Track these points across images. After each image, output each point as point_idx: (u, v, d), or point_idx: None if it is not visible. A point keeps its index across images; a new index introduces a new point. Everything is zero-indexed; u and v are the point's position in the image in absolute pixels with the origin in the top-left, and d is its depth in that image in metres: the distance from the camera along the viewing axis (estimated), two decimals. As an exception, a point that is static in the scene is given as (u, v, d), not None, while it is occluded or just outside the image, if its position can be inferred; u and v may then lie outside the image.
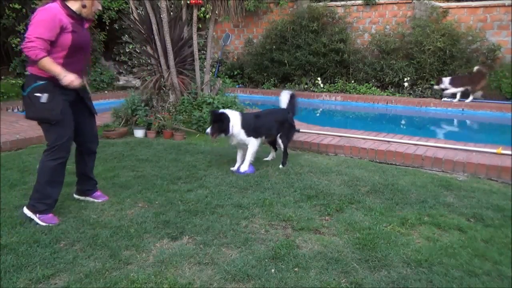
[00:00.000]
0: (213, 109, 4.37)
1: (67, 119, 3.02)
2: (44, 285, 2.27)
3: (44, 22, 2.80)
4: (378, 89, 9.56)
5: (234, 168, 4.24)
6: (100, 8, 3.19)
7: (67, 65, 2.94)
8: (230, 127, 4.04)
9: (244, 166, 4.17)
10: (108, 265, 2.44)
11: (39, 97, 2.88)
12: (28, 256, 2.50)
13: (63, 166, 3.09)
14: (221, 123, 4.03)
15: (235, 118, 4.11)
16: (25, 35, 2.80)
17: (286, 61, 10.39)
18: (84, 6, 3.00)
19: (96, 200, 3.43)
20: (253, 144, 4.19)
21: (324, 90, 9.97)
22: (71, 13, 2.94)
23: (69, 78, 2.88)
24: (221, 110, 4.18)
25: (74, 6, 2.97)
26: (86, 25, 3.15)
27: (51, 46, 2.85)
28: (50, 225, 2.95)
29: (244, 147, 4.24)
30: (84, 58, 3.16)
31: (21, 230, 2.84)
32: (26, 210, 3.03)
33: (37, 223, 2.96)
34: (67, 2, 2.96)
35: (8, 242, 2.67)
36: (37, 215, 2.99)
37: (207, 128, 4.11)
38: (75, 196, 3.50)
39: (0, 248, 2.60)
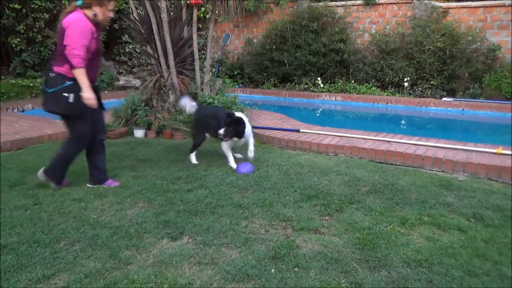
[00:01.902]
0: (228, 111, 4.41)
1: (88, 115, 3.50)
2: (44, 285, 2.27)
3: (82, 30, 3.27)
4: (378, 89, 9.57)
5: (234, 165, 4.27)
6: (112, 15, 3.53)
7: (90, 67, 3.39)
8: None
9: (252, 152, 4.26)
10: (108, 265, 2.44)
11: (67, 96, 3.32)
12: (28, 256, 2.50)
13: (77, 155, 3.67)
14: (236, 127, 4.05)
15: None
16: (66, 43, 3.25)
17: (286, 61, 10.39)
18: (95, 15, 3.40)
19: (110, 186, 3.76)
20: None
21: (324, 90, 9.97)
22: (92, 21, 3.38)
23: (90, 96, 3.34)
24: (238, 114, 4.18)
25: (88, 14, 3.39)
26: (99, 30, 3.56)
27: None
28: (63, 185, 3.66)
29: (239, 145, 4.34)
30: (100, 60, 3.69)
31: (21, 230, 2.84)
32: (42, 175, 3.61)
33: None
34: (84, 11, 3.37)
35: (8, 242, 2.67)
36: (54, 180, 3.61)
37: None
38: (88, 185, 3.76)
39: (0, 248, 2.60)
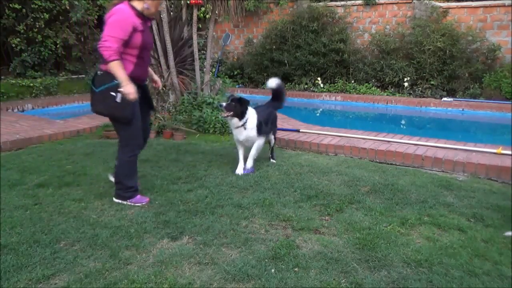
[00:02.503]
0: (232, 94, 4.31)
1: (137, 118, 3.26)
2: (44, 285, 2.27)
3: (118, 22, 3.01)
4: (378, 89, 9.57)
5: (239, 171, 4.11)
6: (161, 8, 3.32)
7: (139, 63, 3.20)
8: (246, 116, 3.99)
9: (249, 162, 4.14)
10: (108, 265, 2.44)
11: (114, 96, 3.07)
12: (28, 256, 2.50)
13: (136, 159, 3.42)
14: (239, 106, 3.95)
15: (252, 112, 4.09)
16: (101, 35, 3.01)
17: (286, 61, 10.39)
18: (147, 8, 3.17)
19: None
20: (260, 142, 4.19)
21: (324, 90, 9.97)
22: (138, 14, 3.14)
23: (130, 89, 3.04)
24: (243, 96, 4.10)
25: (138, 6, 3.15)
26: (149, 23, 3.34)
27: (125, 46, 3.07)
28: (143, 204, 3.34)
29: (247, 144, 4.19)
30: (149, 56, 3.47)
31: (21, 230, 2.84)
32: (116, 199, 3.38)
33: (132, 205, 3.32)
34: (132, 2, 3.14)
35: (8, 242, 2.67)
36: (127, 200, 3.35)
37: (223, 102, 3.99)
38: (110, 177, 3.67)
39: (0, 248, 2.60)
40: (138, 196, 3.39)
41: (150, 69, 3.65)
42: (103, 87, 3.10)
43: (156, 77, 3.72)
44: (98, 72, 3.18)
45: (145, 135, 3.58)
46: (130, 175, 3.38)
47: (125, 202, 3.35)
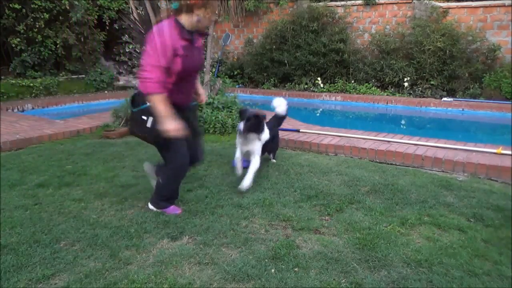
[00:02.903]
0: (243, 107, 3.92)
1: (177, 142, 2.90)
2: (44, 285, 2.28)
3: (157, 48, 2.69)
4: (378, 89, 9.57)
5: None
6: (213, 18, 3.04)
7: (177, 89, 2.87)
8: (265, 130, 3.77)
9: (247, 181, 3.59)
10: (108, 265, 2.44)
11: (145, 120, 2.83)
12: (28, 256, 2.51)
13: (182, 177, 3.19)
14: (256, 122, 3.60)
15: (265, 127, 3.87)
16: (142, 62, 2.74)
17: (286, 61, 10.40)
18: (199, 21, 2.82)
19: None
20: (258, 159, 3.79)
21: (324, 90, 9.97)
22: (183, 33, 2.79)
23: (169, 126, 2.73)
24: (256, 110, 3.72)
25: (187, 22, 2.81)
26: (199, 42, 3.00)
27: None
28: (176, 214, 3.13)
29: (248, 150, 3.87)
30: (194, 78, 3.11)
31: (21, 230, 2.84)
32: (151, 206, 3.22)
33: (164, 214, 3.15)
34: (179, 17, 2.80)
35: (8, 242, 2.67)
36: (161, 209, 3.18)
37: (239, 123, 3.59)
38: (146, 168, 3.44)
39: (0, 248, 2.60)
40: (172, 207, 3.19)
41: (197, 82, 3.29)
42: (137, 108, 2.89)
43: (201, 90, 3.30)
44: (136, 90, 2.96)
45: (192, 159, 3.17)
46: (171, 189, 3.17)
47: (159, 211, 3.17)
